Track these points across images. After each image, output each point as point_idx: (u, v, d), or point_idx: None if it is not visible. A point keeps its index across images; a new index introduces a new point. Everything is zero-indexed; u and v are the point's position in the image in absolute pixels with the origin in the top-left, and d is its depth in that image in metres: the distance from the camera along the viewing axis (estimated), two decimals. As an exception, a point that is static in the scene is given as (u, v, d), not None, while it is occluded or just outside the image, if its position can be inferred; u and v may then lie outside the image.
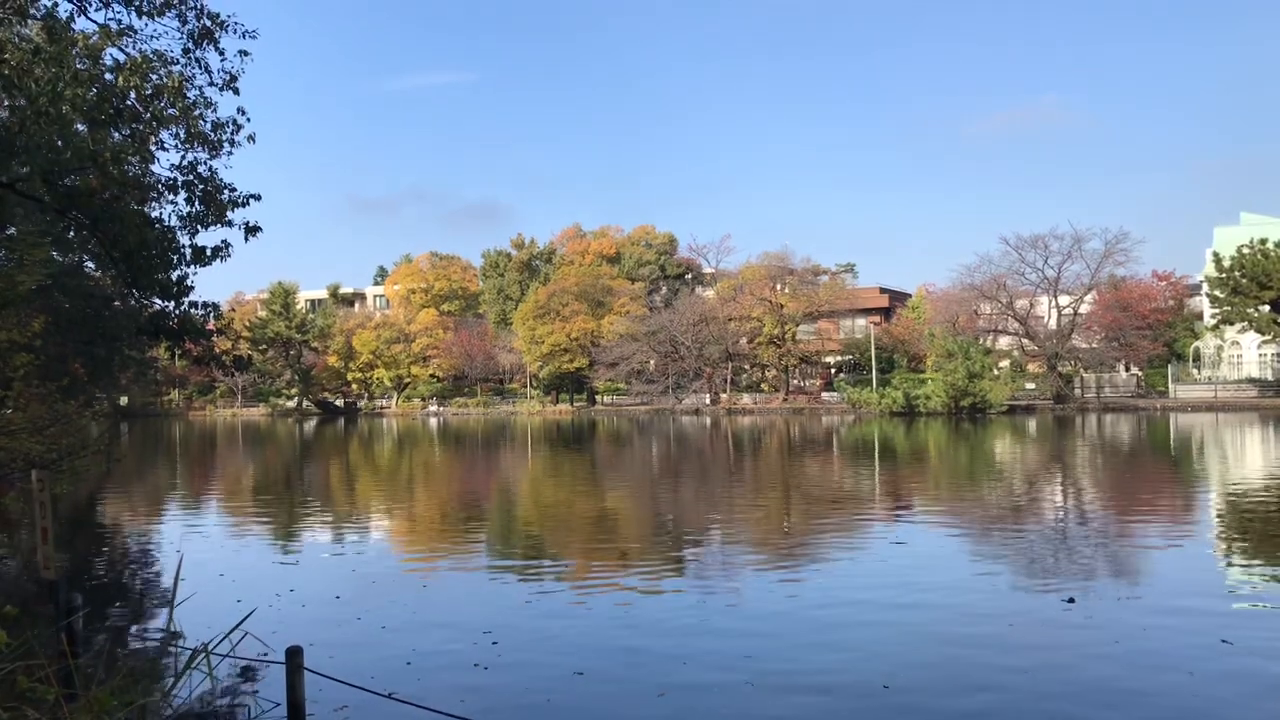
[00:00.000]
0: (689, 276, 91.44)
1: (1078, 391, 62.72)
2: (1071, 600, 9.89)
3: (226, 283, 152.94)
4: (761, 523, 16.69)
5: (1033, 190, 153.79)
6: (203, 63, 12.61)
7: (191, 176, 13.15)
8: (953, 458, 30.29)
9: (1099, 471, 24.51)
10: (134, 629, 9.89)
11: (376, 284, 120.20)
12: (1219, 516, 16.38)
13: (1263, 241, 56.37)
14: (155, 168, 13.64)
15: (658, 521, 17.47)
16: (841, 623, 9.39)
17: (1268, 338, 58.77)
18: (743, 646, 8.48)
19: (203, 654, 5.56)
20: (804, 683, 7.50)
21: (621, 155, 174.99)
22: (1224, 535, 14.49)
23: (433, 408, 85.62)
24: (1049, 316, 62.93)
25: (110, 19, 11.87)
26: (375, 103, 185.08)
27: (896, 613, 9.70)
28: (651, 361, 75.10)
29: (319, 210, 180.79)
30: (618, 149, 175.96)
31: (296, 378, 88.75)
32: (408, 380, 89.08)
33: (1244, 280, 56.15)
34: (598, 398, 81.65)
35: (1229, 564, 12.24)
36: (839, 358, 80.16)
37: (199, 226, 13.59)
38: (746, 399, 73.29)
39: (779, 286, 72.96)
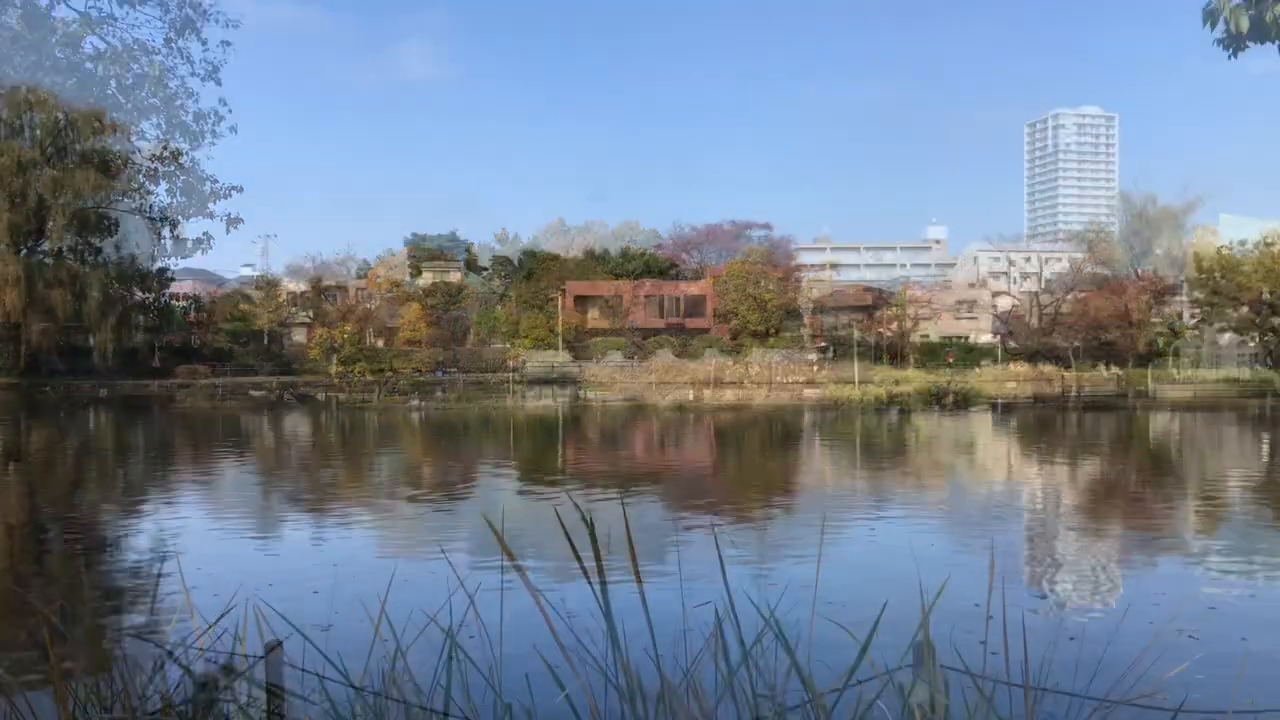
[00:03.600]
0: (674, 272, 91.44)
1: (1058, 389, 63.19)
2: (1045, 596, 10.01)
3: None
4: (744, 514, 16.76)
5: (1020, 188, 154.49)
6: (184, 53, 12.60)
7: (173, 167, 13.06)
8: (933, 453, 30.47)
9: (1078, 468, 24.73)
10: (112, 623, 9.85)
11: (359, 277, 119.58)
12: (1195, 511, 16.58)
13: (1241, 243, 56.99)
14: (136, 158, 13.54)
15: (640, 512, 17.50)
16: (819, 611, 9.45)
17: (1246, 337, 59.43)
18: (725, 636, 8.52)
19: (181, 648, 5.54)
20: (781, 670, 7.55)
21: (608, 151, 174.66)
22: (1199, 530, 14.67)
23: (415, 401, 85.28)
24: (1031, 314, 63.38)
25: (90, 6, 11.79)
26: (363, 94, 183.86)
27: (875, 601, 9.76)
28: (636, 356, 75.13)
29: (304, 200, 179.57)
30: (604, 145, 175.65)
31: (277, 370, 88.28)
32: (390, 373, 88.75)
33: (1223, 280, 56.74)
34: (582, 392, 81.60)
35: (1204, 557, 12.39)
36: (822, 354, 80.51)
37: (180, 218, 13.52)
38: (730, 393, 73.44)
39: (764, 282, 73.18)
